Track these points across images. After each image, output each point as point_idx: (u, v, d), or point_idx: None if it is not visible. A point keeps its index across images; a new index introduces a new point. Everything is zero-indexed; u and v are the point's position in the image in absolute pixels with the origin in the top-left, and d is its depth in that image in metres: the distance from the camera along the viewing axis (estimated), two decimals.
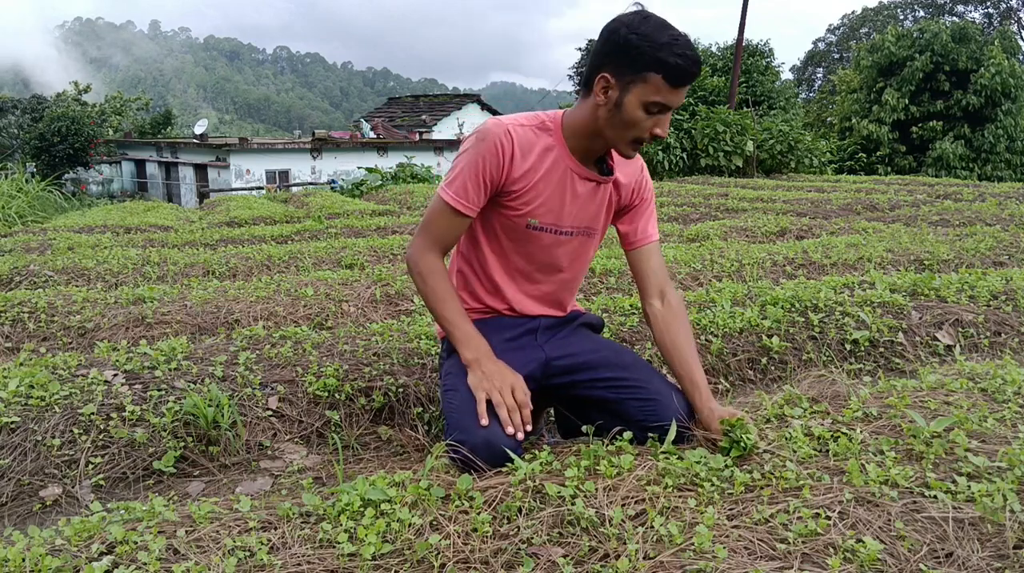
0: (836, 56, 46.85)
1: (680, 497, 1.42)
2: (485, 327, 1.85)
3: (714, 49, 28.31)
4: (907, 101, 23.42)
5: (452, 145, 24.42)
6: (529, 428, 1.65)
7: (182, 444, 2.04)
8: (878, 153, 23.65)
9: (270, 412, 2.21)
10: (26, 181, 14.15)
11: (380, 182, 16.31)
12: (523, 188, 1.75)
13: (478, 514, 1.37)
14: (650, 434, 1.69)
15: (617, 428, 1.68)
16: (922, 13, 41.80)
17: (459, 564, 1.25)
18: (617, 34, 1.59)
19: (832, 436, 1.66)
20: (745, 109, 18.72)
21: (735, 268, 4.27)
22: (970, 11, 42.07)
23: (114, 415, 2.06)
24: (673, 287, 1.91)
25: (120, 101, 30.08)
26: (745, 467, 1.53)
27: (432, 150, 24.04)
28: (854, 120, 24.49)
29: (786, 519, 1.31)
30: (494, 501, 1.43)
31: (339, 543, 1.29)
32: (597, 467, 1.54)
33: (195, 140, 23.91)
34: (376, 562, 1.26)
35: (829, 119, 29.53)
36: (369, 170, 17.58)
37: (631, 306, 3.00)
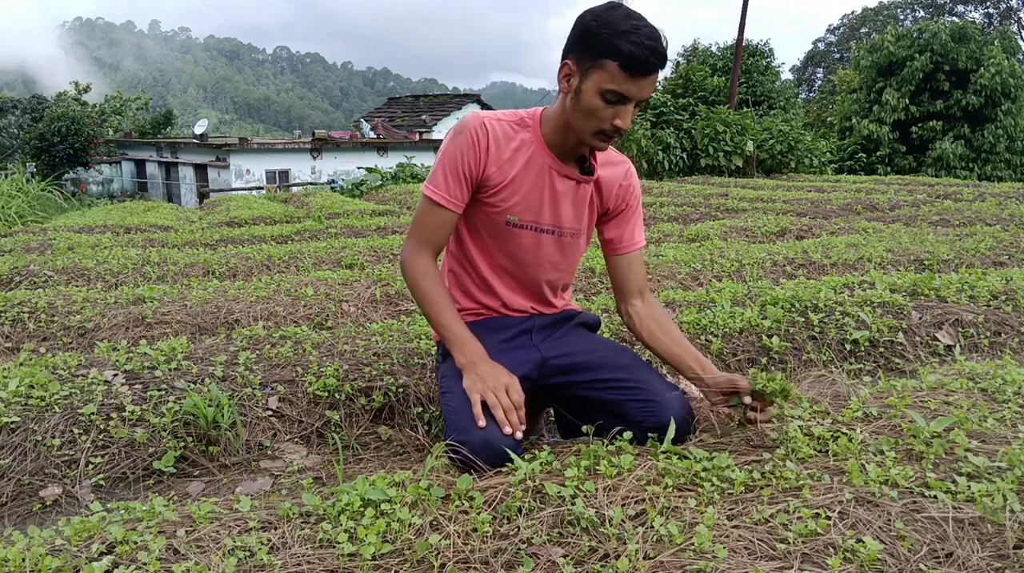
0: (836, 56, 46.86)
1: (680, 497, 1.42)
2: (480, 329, 1.85)
3: (714, 49, 28.33)
4: (907, 101, 23.43)
5: None
6: (524, 428, 1.65)
7: (182, 444, 2.04)
8: (878, 153, 23.66)
9: (270, 412, 2.21)
10: (26, 181, 14.15)
11: (380, 182, 16.32)
12: (500, 183, 1.76)
13: (478, 514, 1.37)
14: (650, 434, 1.69)
15: (617, 428, 1.68)
16: (922, 13, 41.81)
17: (459, 564, 1.25)
18: (582, 21, 1.60)
19: (832, 436, 1.66)
20: (745, 109, 18.72)
21: (735, 268, 4.27)
22: (970, 11, 42.08)
23: (114, 415, 2.06)
24: (651, 292, 1.92)
25: (120, 101, 30.09)
26: (746, 468, 1.53)
27: (432, 150, 24.05)
28: (854, 120, 24.50)
29: (786, 519, 1.31)
30: (494, 501, 1.43)
31: (339, 543, 1.29)
32: (597, 467, 1.54)
33: (195, 140, 23.92)
34: (376, 562, 1.26)
35: (829, 119, 29.54)
36: (369, 170, 17.60)
37: None
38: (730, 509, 1.37)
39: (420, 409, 2.30)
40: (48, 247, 5.63)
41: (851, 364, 2.76)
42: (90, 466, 1.94)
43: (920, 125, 23.36)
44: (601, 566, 1.23)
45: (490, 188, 1.77)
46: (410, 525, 1.34)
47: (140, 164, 26.43)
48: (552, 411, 2.09)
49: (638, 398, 1.73)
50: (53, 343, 3.09)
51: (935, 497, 1.38)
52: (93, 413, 2.04)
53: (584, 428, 1.76)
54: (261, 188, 19.91)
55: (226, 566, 1.22)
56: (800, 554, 1.23)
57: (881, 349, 2.84)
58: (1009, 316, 3.09)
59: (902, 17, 42.91)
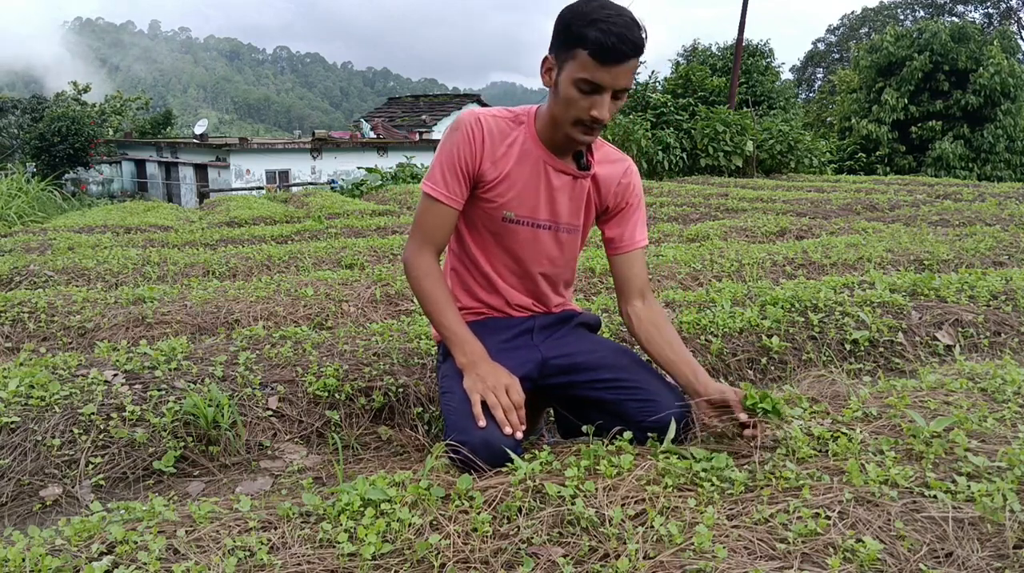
0: (836, 56, 46.87)
1: (680, 497, 1.42)
2: (481, 329, 1.85)
3: (714, 49, 28.33)
4: (906, 101, 23.44)
5: None
6: (524, 428, 1.65)
7: (182, 444, 2.04)
8: (878, 153, 23.67)
9: (270, 412, 2.21)
10: (26, 181, 14.15)
11: (380, 182, 16.32)
12: (496, 179, 1.77)
13: (478, 514, 1.37)
14: (650, 434, 1.69)
15: (617, 428, 1.68)
16: (922, 13, 41.81)
17: (459, 564, 1.25)
18: (560, 14, 1.62)
19: (832, 436, 1.66)
20: (745, 109, 18.73)
21: (735, 268, 4.27)
22: (970, 11, 42.08)
23: (114, 415, 2.06)
24: (652, 293, 1.91)
25: (120, 101, 30.09)
26: (746, 467, 1.53)
27: (432, 150, 24.01)
28: (854, 120, 24.51)
29: (786, 519, 1.31)
30: (494, 501, 1.43)
31: (339, 543, 1.29)
32: (597, 467, 1.54)
33: (195, 140, 23.92)
34: (376, 562, 1.26)
35: (829, 119, 29.55)
36: (369, 170, 17.60)
37: None
38: (730, 509, 1.37)
39: (420, 409, 2.30)
40: (48, 247, 5.63)
41: (851, 364, 2.76)
42: (90, 466, 1.94)
43: (920, 125, 23.37)
44: (601, 566, 1.23)
45: (486, 184, 1.78)
46: (410, 525, 1.34)
47: (140, 164, 26.43)
48: (552, 411, 2.10)
49: (638, 398, 1.73)
50: (53, 343, 3.09)
51: (935, 497, 1.38)
52: (93, 413, 2.04)
53: (584, 428, 1.76)
54: (261, 188, 19.91)
55: (226, 566, 1.22)
56: (800, 554, 1.23)
57: (881, 349, 2.84)
58: (1009, 316, 3.10)
59: (902, 17, 42.92)
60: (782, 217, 6.78)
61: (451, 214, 1.79)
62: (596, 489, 1.43)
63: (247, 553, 1.28)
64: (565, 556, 1.26)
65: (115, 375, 2.26)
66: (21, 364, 2.37)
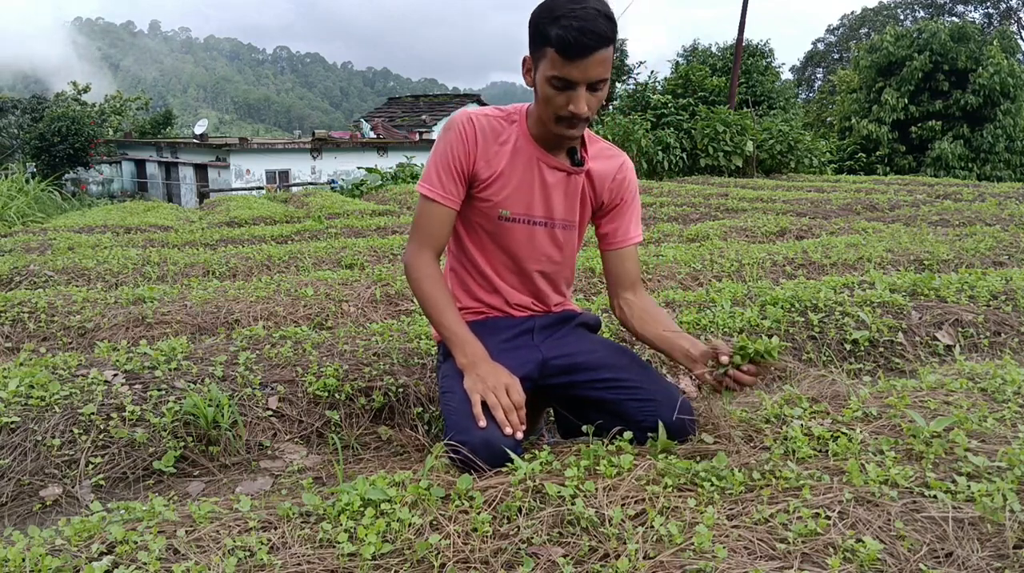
0: (836, 56, 46.87)
1: (680, 497, 1.42)
2: (481, 329, 1.85)
3: (714, 49, 28.33)
4: (906, 101, 23.43)
5: None
6: (524, 428, 1.65)
7: (182, 444, 2.04)
8: (877, 153, 23.67)
9: (270, 412, 2.21)
10: (26, 181, 14.15)
11: (380, 182, 16.32)
12: (490, 177, 1.78)
13: (478, 514, 1.37)
14: (649, 434, 1.69)
15: (617, 428, 1.68)
16: (922, 13, 41.81)
17: (459, 564, 1.25)
18: (532, 13, 1.62)
19: (832, 436, 1.66)
20: (745, 109, 18.72)
21: (735, 268, 4.27)
22: (970, 11, 42.08)
23: (114, 415, 2.06)
24: (643, 286, 1.95)
25: (120, 101, 30.08)
26: (746, 468, 1.53)
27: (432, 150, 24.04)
28: (853, 120, 24.51)
29: (786, 519, 1.31)
30: (494, 501, 1.43)
31: (339, 543, 1.29)
32: (597, 467, 1.54)
33: (195, 140, 23.92)
34: (376, 562, 1.26)
35: (829, 119, 29.55)
36: (369, 170, 17.60)
37: None
38: (730, 509, 1.37)
39: (420, 409, 2.30)
40: (48, 247, 5.63)
41: (851, 364, 2.76)
42: (90, 466, 1.94)
43: (919, 125, 23.37)
44: (601, 566, 1.23)
45: (481, 182, 1.79)
46: (410, 525, 1.34)
47: (140, 164, 26.43)
48: (552, 411, 2.10)
49: (638, 398, 1.73)
50: (53, 343, 3.09)
51: (935, 497, 1.38)
52: (93, 413, 2.04)
53: (584, 428, 1.76)
54: (261, 188, 19.91)
55: (226, 566, 1.22)
56: (800, 554, 1.23)
57: (881, 349, 2.84)
58: (1009, 316, 3.10)
59: (902, 17, 42.93)
60: (782, 217, 6.78)
61: (448, 214, 1.79)
62: (596, 489, 1.43)
63: (247, 553, 1.28)
64: (565, 556, 1.26)
65: (115, 375, 2.26)
66: (21, 364, 2.37)
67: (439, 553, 1.27)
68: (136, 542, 1.30)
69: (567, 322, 1.98)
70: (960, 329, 2.99)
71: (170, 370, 2.32)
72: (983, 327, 2.99)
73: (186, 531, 1.34)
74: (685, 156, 16.84)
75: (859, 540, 1.25)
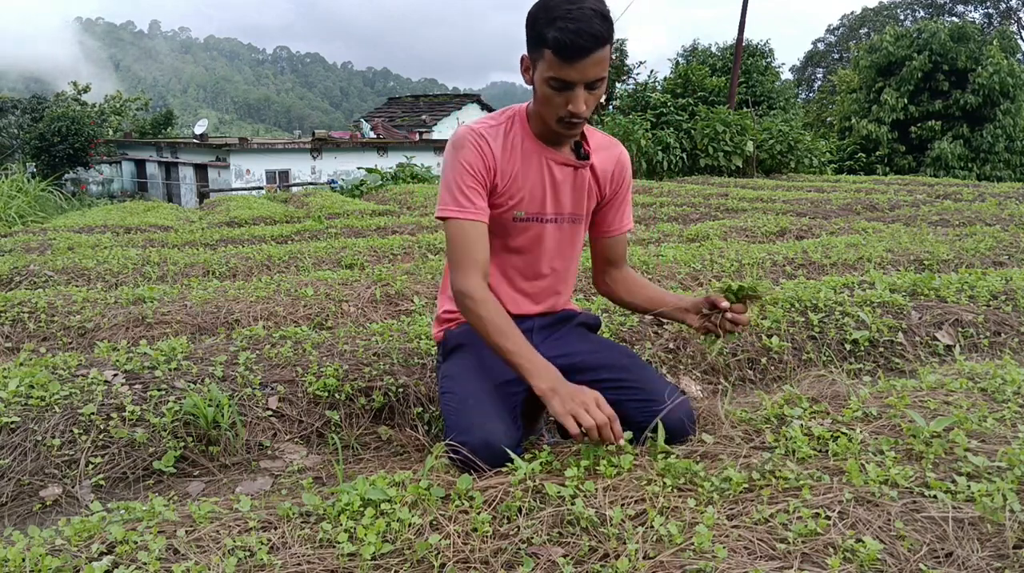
0: (836, 56, 46.87)
1: (680, 497, 1.42)
2: None
3: (714, 49, 28.32)
4: (906, 101, 23.43)
5: None
6: (626, 435, 1.59)
7: (182, 444, 2.05)
8: (877, 153, 23.66)
9: (270, 412, 2.21)
10: (26, 181, 14.14)
11: (380, 182, 16.31)
12: (507, 183, 1.78)
13: (478, 514, 1.37)
14: (649, 434, 1.69)
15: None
16: (922, 13, 41.81)
17: (459, 564, 1.25)
18: (528, 13, 1.62)
19: (832, 436, 1.66)
20: (745, 109, 18.72)
21: (735, 268, 4.27)
22: (970, 11, 42.08)
23: (114, 415, 2.06)
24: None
25: (119, 101, 30.06)
26: (745, 468, 1.53)
27: (432, 150, 24.03)
28: (853, 120, 24.51)
29: (786, 519, 1.31)
30: (494, 501, 1.43)
31: (339, 543, 1.29)
32: (597, 467, 1.54)
33: (195, 140, 23.91)
34: (376, 562, 1.26)
35: (829, 119, 29.55)
36: (369, 170, 17.59)
37: None
38: (730, 509, 1.37)
39: (420, 409, 2.30)
40: (48, 247, 5.63)
41: (851, 364, 2.76)
42: (90, 466, 1.94)
43: (919, 125, 23.36)
44: (601, 566, 1.23)
45: (499, 189, 1.78)
46: (410, 525, 1.34)
47: (140, 164, 26.42)
48: None
49: (638, 398, 1.73)
50: (53, 343, 3.09)
51: (935, 497, 1.38)
52: (93, 413, 2.04)
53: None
54: (261, 188, 19.91)
55: (226, 566, 1.22)
56: (800, 554, 1.23)
57: (881, 349, 2.84)
58: (1009, 316, 3.10)
59: (902, 17, 42.92)
60: (782, 217, 6.78)
61: (482, 229, 1.74)
62: (596, 489, 1.43)
63: (247, 553, 1.28)
64: (565, 556, 1.26)
65: (115, 375, 2.26)
66: (21, 364, 2.37)
67: (439, 553, 1.27)
68: (136, 542, 1.30)
69: (567, 322, 1.98)
70: (960, 329, 2.99)
71: (170, 370, 2.32)
72: (983, 327, 2.99)
73: (186, 531, 1.34)
74: (685, 156, 16.84)
75: (859, 540, 1.25)
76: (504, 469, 1.56)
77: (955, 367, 2.24)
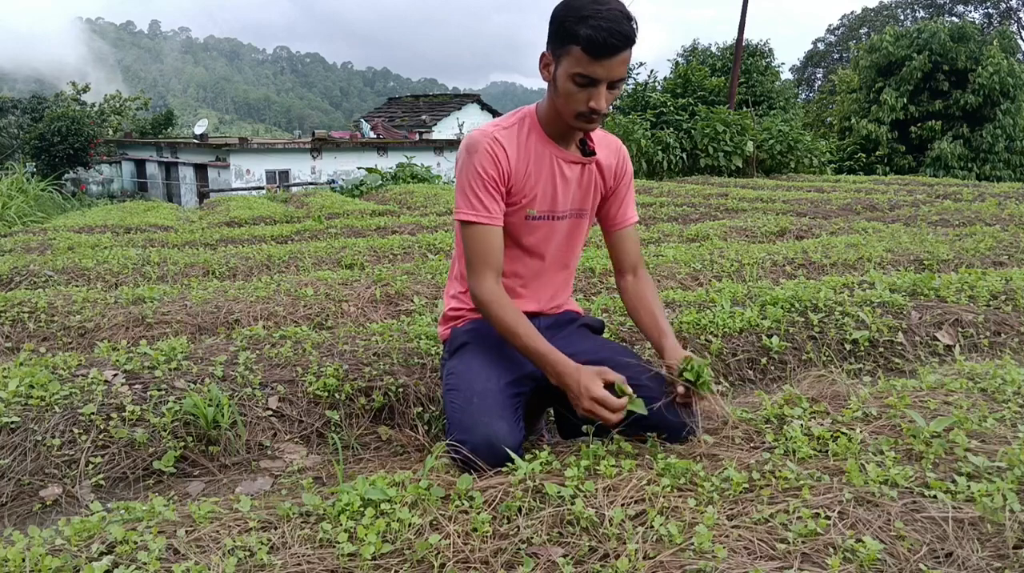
0: (836, 56, 46.87)
1: (680, 497, 1.42)
2: (483, 328, 1.86)
3: (714, 49, 28.31)
4: (906, 101, 23.42)
5: (452, 145, 24.41)
6: (628, 398, 1.63)
7: (182, 444, 2.04)
8: (877, 153, 23.65)
9: (270, 412, 2.21)
10: (26, 181, 14.13)
11: (380, 182, 16.30)
12: (520, 183, 1.80)
13: (478, 514, 1.37)
14: (650, 434, 1.70)
15: (617, 428, 1.69)
16: (922, 13, 41.80)
17: (459, 564, 1.25)
18: (554, 11, 1.65)
19: (832, 436, 1.66)
20: (745, 109, 18.71)
21: (735, 268, 4.27)
22: (970, 11, 42.08)
23: (114, 415, 2.06)
24: (645, 266, 2.01)
25: (119, 101, 30.05)
26: (745, 469, 1.53)
27: (432, 150, 24.03)
28: (853, 120, 24.49)
29: (786, 519, 1.31)
30: (494, 501, 1.43)
31: (339, 543, 1.29)
32: (597, 467, 1.54)
33: (195, 140, 23.90)
34: (376, 562, 1.26)
35: (829, 119, 29.52)
36: (369, 170, 17.58)
37: None
38: (730, 509, 1.37)
39: (420, 409, 2.30)
40: (48, 247, 5.63)
41: (851, 364, 2.76)
42: (90, 466, 1.94)
43: (919, 125, 23.35)
44: (601, 566, 1.23)
45: (514, 191, 1.80)
46: (410, 525, 1.34)
47: (140, 164, 26.40)
48: (552, 411, 2.10)
49: (640, 397, 1.73)
50: (53, 343, 3.09)
51: (935, 497, 1.38)
52: (93, 413, 2.04)
53: (584, 428, 1.76)
54: (261, 188, 19.90)
55: (226, 566, 1.22)
56: (800, 554, 1.23)
57: (881, 349, 2.84)
58: (1009, 316, 3.10)
59: (902, 17, 42.91)
60: (782, 217, 6.78)
61: (498, 233, 1.78)
62: (596, 489, 1.43)
63: (247, 553, 1.28)
64: (565, 556, 1.26)
65: (115, 375, 2.26)
66: (21, 364, 2.37)
67: (439, 553, 1.27)
68: (136, 542, 1.30)
69: (570, 323, 1.99)
70: (960, 329, 2.99)
71: (170, 370, 2.32)
72: (983, 327, 2.99)
73: (186, 531, 1.34)
74: (685, 156, 16.83)
75: (859, 540, 1.25)
76: (504, 469, 1.56)
77: (955, 367, 2.24)
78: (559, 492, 1.42)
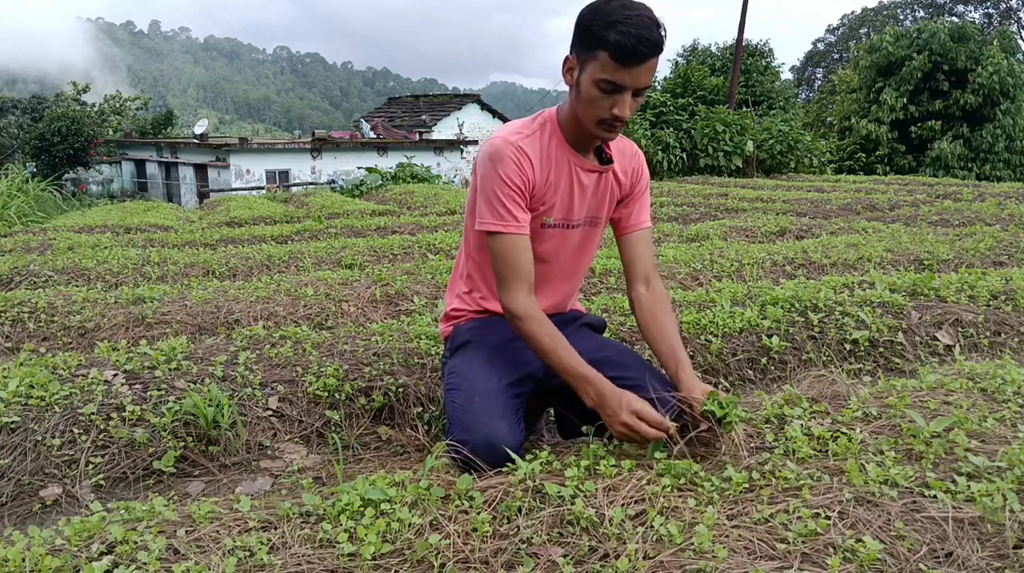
0: (836, 56, 46.86)
1: (680, 497, 1.42)
2: (486, 328, 1.86)
3: (714, 49, 28.29)
4: (905, 101, 23.42)
5: (452, 145, 24.41)
6: (672, 426, 1.59)
7: (182, 444, 2.04)
8: (877, 153, 23.65)
9: (270, 412, 2.21)
10: (26, 181, 14.13)
11: (380, 182, 16.31)
12: (542, 191, 1.78)
13: (478, 514, 1.37)
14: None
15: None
16: (922, 13, 41.79)
17: (459, 564, 1.25)
18: (581, 15, 1.62)
19: (832, 436, 1.66)
20: (745, 109, 18.71)
21: (735, 268, 4.27)
22: (970, 11, 42.07)
23: (114, 415, 2.06)
24: (659, 276, 1.93)
25: (119, 101, 30.05)
26: (746, 470, 1.53)
27: (432, 150, 24.03)
28: (853, 120, 24.49)
29: (786, 519, 1.31)
30: (494, 501, 1.43)
31: (339, 543, 1.29)
32: (597, 467, 1.54)
33: (195, 140, 23.89)
34: (376, 562, 1.26)
35: (828, 119, 29.53)
36: (369, 170, 17.59)
37: None
38: (730, 509, 1.37)
39: (420, 409, 2.30)
40: (48, 247, 5.63)
41: (851, 364, 2.76)
42: (90, 466, 1.94)
43: (919, 125, 23.35)
44: (601, 566, 1.23)
45: (534, 199, 1.78)
46: (410, 525, 1.34)
47: (140, 164, 26.40)
48: (552, 411, 2.10)
49: (641, 398, 1.73)
50: (53, 343, 3.09)
51: (935, 497, 1.38)
52: (93, 413, 2.04)
53: (584, 428, 1.76)
54: (261, 188, 19.90)
55: (226, 566, 1.22)
56: (800, 554, 1.23)
57: (881, 349, 2.84)
58: (1009, 316, 3.10)
59: (902, 17, 42.89)
60: (782, 217, 6.78)
61: (526, 242, 1.74)
62: (596, 489, 1.43)
63: (247, 553, 1.28)
64: (565, 556, 1.26)
65: (115, 375, 2.26)
66: (21, 364, 2.37)
67: (439, 553, 1.27)
68: (136, 542, 1.30)
69: (572, 322, 1.99)
70: (960, 329, 2.99)
71: (170, 370, 2.32)
72: (983, 327, 2.99)
73: (186, 531, 1.34)
74: (685, 156, 16.83)
75: (859, 540, 1.25)
76: (504, 469, 1.56)
77: (955, 367, 2.24)
78: (559, 492, 1.42)
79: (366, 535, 1.30)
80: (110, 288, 4.13)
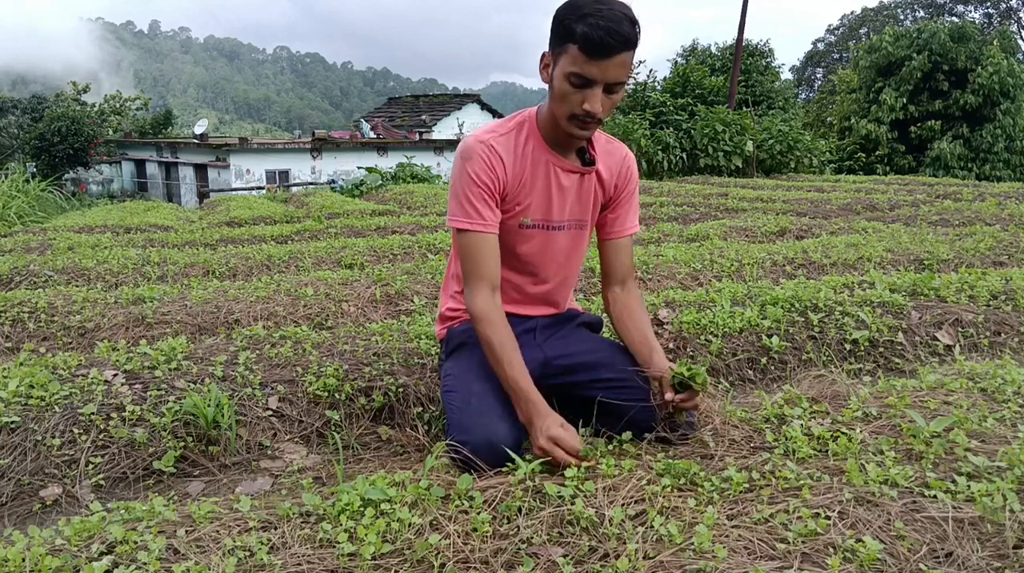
0: (836, 56, 46.86)
1: (680, 497, 1.42)
2: None
3: (713, 49, 28.29)
4: (905, 101, 23.42)
5: (452, 145, 24.42)
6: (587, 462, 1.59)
7: (182, 444, 2.04)
8: (877, 153, 23.65)
9: (270, 412, 2.21)
10: (26, 181, 14.13)
11: (380, 182, 16.31)
12: (515, 190, 1.77)
13: (478, 514, 1.37)
14: (646, 434, 1.70)
15: (616, 428, 1.69)
16: (922, 13, 41.79)
17: (459, 564, 1.25)
18: (556, 10, 1.62)
19: (832, 436, 1.66)
20: (745, 109, 18.71)
21: (735, 268, 4.27)
22: (970, 11, 42.07)
23: (114, 415, 2.06)
24: (635, 278, 1.95)
25: (119, 101, 30.05)
26: (746, 470, 1.53)
27: (432, 150, 24.04)
28: (853, 120, 24.50)
29: (786, 519, 1.31)
30: (494, 501, 1.43)
31: (339, 543, 1.29)
32: (597, 467, 1.54)
33: (195, 140, 23.90)
34: (376, 562, 1.26)
35: (828, 119, 29.53)
36: (369, 170, 17.59)
37: None
38: (730, 509, 1.37)
39: (420, 409, 2.30)
40: (48, 247, 5.63)
41: (851, 364, 2.76)
42: (90, 466, 1.94)
43: (919, 125, 23.35)
44: (601, 566, 1.23)
45: (508, 198, 1.78)
46: (410, 525, 1.34)
47: (140, 164, 26.40)
48: None
49: (637, 398, 1.73)
50: (53, 343, 3.09)
51: (935, 497, 1.38)
52: (93, 413, 2.04)
53: (582, 429, 1.76)
54: (261, 188, 19.91)
55: (226, 566, 1.22)
56: (800, 554, 1.23)
57: (881, 349, 2.84)
58: (1009, 316, 3.10)
59: (902, 17, 42.90)
60: (782, 217, 6.78)
61: (492, 240, 1.74)
62: (596, 489, 1.43)
63: (247, 553, 1.28)
64: (565, 556, 1.26)
65: (115, 375, 2.26)
66: (21, 364, 2.37)
67: (439, 553, 1.27)
68: (136, 542, 1.30)
69: (569, 322, 1.99)
70: (960, 329, 2.98)
71: (170, 370, 2.32)
72: (983, 327, 2.99)
73: (186, 531, 1.34)
74: (685, 156, 16.82)
75: (859, 540, 1.25)
76: (504, 469, 1.56)
77: (955, 367, 2.24)
78: (559, 492, 1.42)
79: (366, 535, 1.30)
80: (110, 288, 4.13)
